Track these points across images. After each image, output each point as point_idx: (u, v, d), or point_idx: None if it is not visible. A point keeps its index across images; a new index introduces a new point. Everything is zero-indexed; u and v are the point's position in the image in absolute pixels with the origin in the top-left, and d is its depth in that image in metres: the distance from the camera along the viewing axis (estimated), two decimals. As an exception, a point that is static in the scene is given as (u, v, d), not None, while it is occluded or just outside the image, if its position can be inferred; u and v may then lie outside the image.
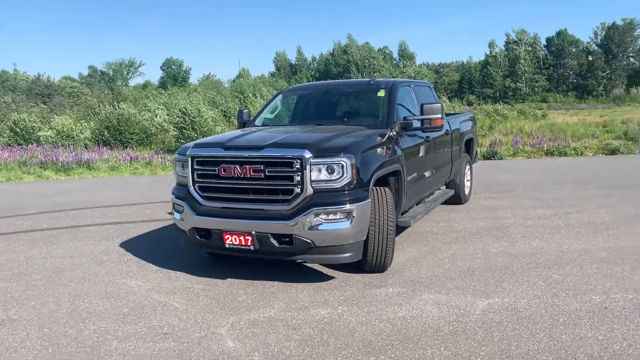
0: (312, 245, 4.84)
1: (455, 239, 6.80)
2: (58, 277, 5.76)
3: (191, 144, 5.54)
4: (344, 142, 5.05)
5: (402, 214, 6.22)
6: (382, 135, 5.65)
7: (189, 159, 5.29)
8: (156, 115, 33.14)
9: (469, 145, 9.24)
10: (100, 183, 14.56)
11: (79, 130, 27.07)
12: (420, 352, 3.70)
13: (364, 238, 5.09)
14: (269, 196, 4.94)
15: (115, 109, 28.31)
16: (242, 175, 4.97)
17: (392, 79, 6.98)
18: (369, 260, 5.27)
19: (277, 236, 4.90)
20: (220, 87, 52.06)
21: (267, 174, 4.90)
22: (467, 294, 4.82)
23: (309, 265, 5.85)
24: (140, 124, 27.11)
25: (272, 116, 7.07)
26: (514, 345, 3.75)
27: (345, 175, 4.84)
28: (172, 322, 4.37)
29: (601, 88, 77.60)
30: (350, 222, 4.82)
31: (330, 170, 4.83)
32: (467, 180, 9.15)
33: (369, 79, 6.93)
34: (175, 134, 26.00)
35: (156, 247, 6.87)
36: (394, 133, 5.90)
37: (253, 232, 4.90)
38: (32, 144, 24.35)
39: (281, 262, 5.88)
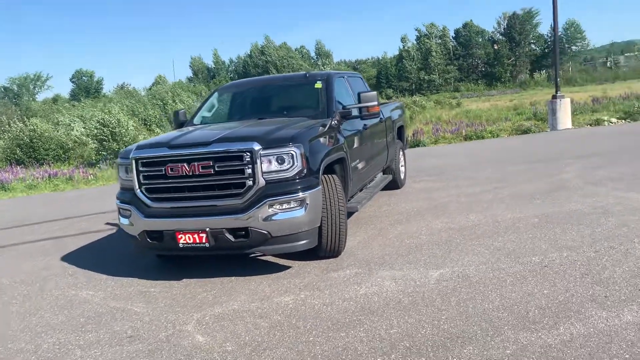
0: (269, 236, 4.91)
1: (399, 220, 7.08)
2: (2, 295, 5.46)
3: (133, 146, 5.43)
4: (292, 132, 5.14)
5: (348, 200, 6.41)
6: (325, 125, 5.80)
7: (133, 162, 5.18)
8: (72, 129, 31.66)
9: (400, 133, 9.62)
10: (22, 202, 13.76)
11: (-14, 151, 25.37)
12: (387, 323, 3.88)
13: (318, 224, 5.21)
14: (221, 191, 4.95)
15: (27, 125, 26.76)
16: (191, 173, 4.94)
17: (327, 71, 7.17)
18: (323, 246, 5.40)
19: (232, 230, 4.92)
20: (137, 96, 50.38)
21: (216, 169, 4.90)
22: (420, 267, 5.07)
23: (264, 257, 5.90)
24: (55, 139, 25.80)
25: (209, 114, 7.04)
26: (471, 307, 4.02)
27: (295, 164, 4.94)
28: (135, 325, 4.29)
29: (508, 74, 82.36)
30: (305, 210, 4.93)
31: (281, 161, 4.91)
32: (402, 166, 9.52)
33: (304, 73, 7.07)
34: (95, 147, 25.01)
35: (101, 257, 6.65)
36: (335, 122, 6.08)
37: (207, 229, 4.90)
38: None
39: (235, 258, 5.89)
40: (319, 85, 6.60)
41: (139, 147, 5.30)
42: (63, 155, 25.31)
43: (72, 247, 7.38)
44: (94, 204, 11.56)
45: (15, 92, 72.71)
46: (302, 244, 5.09)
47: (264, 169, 4.88)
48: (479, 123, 21.91)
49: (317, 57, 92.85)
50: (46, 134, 25.37)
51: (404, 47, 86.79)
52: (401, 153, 9.49)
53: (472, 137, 18.99)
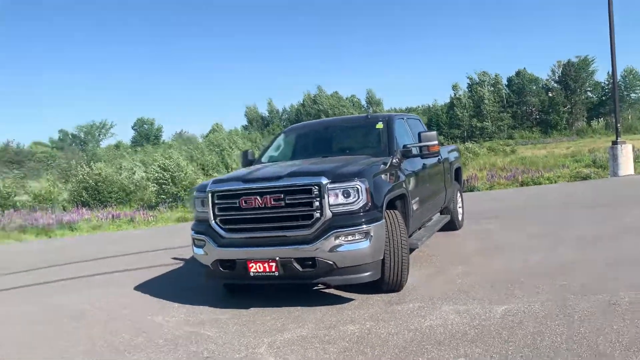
0: (334, 266, 5.10)
1: (459, 259, 7.11)
2: (84, 319, 5.86)
3: (208, 181, 5.83)
4: (357, 168, 5.41)
5: (409, 237, 6.54)
6: (386, 163, 6.03)
7: (209, 195, 5.55)
8: (134, 173, 33.26)
9: (457, 174, 9.72)
10: (89, 239, 14.51)
11: (56, 193, 26.90)
12: (454, 352, 3.94)
13: (381, 257, 5.37)
14: (290, 223, 5.22)
15: (92, 169, 28.32)
16: (263, 205, 5.25)
17: (388, 113, 7.47)
18: (386, 279, 5.53)
19: (300, 260, 5.15)
20: (195, 142, 52.53)
21: (287, 202, 5.19)
22: (484, 303, 5.10)
23: (326, 290, 6.07)
24: (118, 182, 27.15)
25: (276, 153, 7.43)
26: (539, 339, 4.03)
27: (360, 198, 5.17)
28: (210, 348, 4.52)
29: (564, 122, 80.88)
30: (369, 242, 5.12)
31: (347, 194, 5.15)
32: (459, 207, 9.56)
33: (365, 114, 7.41)
34: (155, 190, 26.10)
35: (172, 288, 6.99)
36: (397, 160, 6.31)
37: (277, 258, 5.15)
38: (8, 209, 24.04)
39: (299, 290, 6.09)
40: (380, 125, 6.89)
41: (215, 182, 5.68)
42: (125, 198, 26.52)
43: (143, 278, 7.77)
44: (157, 241, 12.09)
45: (82, 139, 77.20)
46: (366, 275, 5.24)
47: (331, 202, 5.13)
48: (536, 170, 21.55)
49: (367, 105, 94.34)
50: (110, 177, 26.76)
51: (455, 95, 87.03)
52: (458, 194, 9.56)
53: (528, 183, 18.69)
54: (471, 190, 18.01)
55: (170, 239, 12.04)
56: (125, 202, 26.20)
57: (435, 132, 6.68)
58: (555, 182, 18.40)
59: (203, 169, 36.62)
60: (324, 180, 5.13)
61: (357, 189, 5.16)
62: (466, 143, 56.30)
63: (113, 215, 19.69)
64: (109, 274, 8.47)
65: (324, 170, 5.32)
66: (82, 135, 77.69)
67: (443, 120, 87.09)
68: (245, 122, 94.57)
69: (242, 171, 6.22)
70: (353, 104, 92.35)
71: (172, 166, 26.26)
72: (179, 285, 7.13)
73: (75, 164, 33.55)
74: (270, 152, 7.48)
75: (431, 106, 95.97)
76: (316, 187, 5.12)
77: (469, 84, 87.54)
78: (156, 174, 26.33)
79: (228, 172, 35.90)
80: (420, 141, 6.62)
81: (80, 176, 26.98)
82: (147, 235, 13.97)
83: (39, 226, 18.05)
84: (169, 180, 25.58)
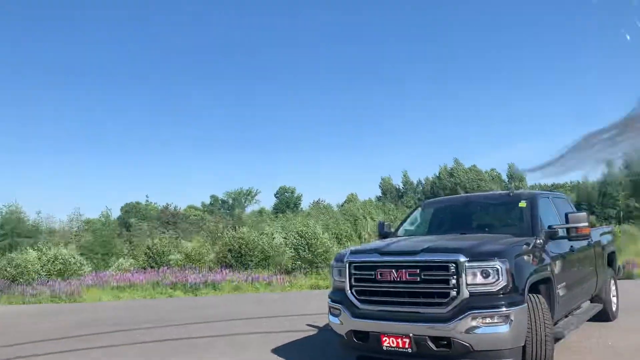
0: (470, 349, 4.93)
1: (615, 355, 6.41)
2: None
3: (347, 250, 6.05)
4: (497, 247, 5.28)
5: (554, 324, 6.09)
6: (529, 243, 5.78)
7: (347, 265, 5.75)
8: (273, 238, 34.95)
9: (611, 259, 8.90)
10: (231, 299, 15.42)
11: (205, 254, 29.08)
12: None
13: (522, 344, 5.08)
14: (425, 299, 5.19)
15: (237, 233, 30.32)
16: (398, 279, 5.30)
17: (532, 191, 7.22)
18: (528, 368, 5.18)
19: (434, 339, 5.06)
20: (331, 211, 54.03)
21: (422, 277, 5.20)
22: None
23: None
24: (260, 246, 28.69)
25: (412, 227, 7.49)
26: None
27: (500, 279, 5.00)
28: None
29: None
30: (509, 326, 4.89)
31: (486, 274, 5.03)
32: (613, 296, 8.69)
33: (507, 191, 7.23)
34: (292, 255, 27.09)
35: (307, 353, 7.18)
36: (541, 241, 6.01)
37: (411, 335, 5.11)
38: (163, 266, 26.40)
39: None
40: (523, 204, 6.66)
41: (353, 252, 5.89)
42: (264, 262, 27.87)
43: (279, 342, 8.07)
44: (293, 306, 12.50)
45: (229, 204, 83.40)
46: (505, 362, 4.97)
47: (469, 281, 5.03)
48: None
49: (509, 181, 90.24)
50: (253, 241, 28.41)
51: (608, 172, 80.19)
52: (612, 281, 8.72)
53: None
54: (629, 278, 16.19)
55: (304, 305, 12.39)
56: (264, 265, 27.54)
57: (585, 212, 6.30)
58: None
59: (337, 238, 37.33)
60: (462, 258, 5.07)
61: (497, 270, 5.02)
62: (622, 224, 50.97)
63: (252, 278, 20.83)
64: (249, 334, 8.92)
65: (461, 247, 5.27)
66: (230, 201, 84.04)
67: (594, 198, 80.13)
68: (379, 193, 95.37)
69: (379, 243, 6.35)
70: (492, 178, 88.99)
71: (309, 233, 27.25)
72: (313, 351, 7.29)
73: (223, 228, 36.17)
74: (407, 225, 7.54)
75: (580, 183, 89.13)
76: (453, 264, 5.08)
77: (626, 160, 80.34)
78: (295, 240, 27.48)
79: (361, 241, 36.21)
80: (567, 222, 6.27)
81: (227, 239, 29.03)
82: (283, 299, 14.50)
83: (188, 284, 19.65)
84: (306, 246, 26.51)
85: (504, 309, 4.93)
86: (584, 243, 7.29)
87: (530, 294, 5.31)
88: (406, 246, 5.75)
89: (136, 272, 23.09)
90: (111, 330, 10.03)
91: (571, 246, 6.78)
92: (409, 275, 5.25)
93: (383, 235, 7.49)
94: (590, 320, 8.13)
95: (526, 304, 5.10)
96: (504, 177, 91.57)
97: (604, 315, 8.30)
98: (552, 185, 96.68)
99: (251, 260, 27.30)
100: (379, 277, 5.43)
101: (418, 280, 5.21)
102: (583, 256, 7.24)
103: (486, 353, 4.95)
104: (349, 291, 5.68)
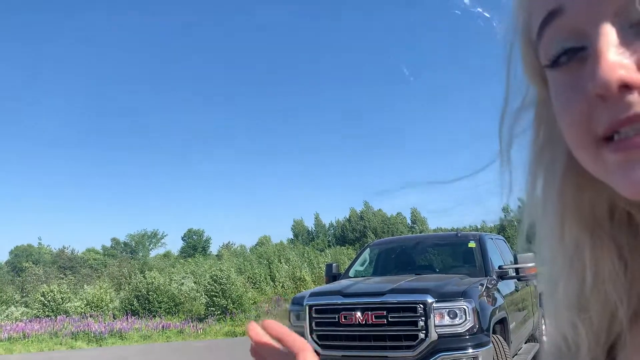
0: (441, 394, 4.74)
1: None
2: None
3: (305, 293, 5.71)
4: (462, 288, 5.20)
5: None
6: (483, 284, 5.78)
7: (307, 308, 5.41)
8: (183, 284, 33.29)
9: (541, 298, 9.22)
10: (140, 350, 14.25)
11: (108, 300, 27.07)
12: None
13: (490, 387, 4.97)
14: (392, 342, 4.96)
15: (145, 278, 28.62)
16: (364, 322, 5.05)
17: (477, 232, 7.37)
18: (496, 413, 5.07)
19: (403, 386, 4.82)
20: (244, 254, 52.90)
21: (389, 319, 4.98)
22: None
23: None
24: (169, 292, 27.20)
25: (362, 269, 7.30)
26: None
27: (467, 319, 4.91)
28: None
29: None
30: (478, 369, 4.78)
31: (453, 315, 4.92)
32: (544, 336, 8.96)
33: (455, 232, 7.33)
34: (205, 302, 25.89)
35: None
36: (494, 281, 6.07)
37: (377, 382, 4.84)
38: (60, 314, 24.19)
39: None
40: (472, 244, 6.73)
41: (313, 295, 5.56)
42: (174, 309, 26.40)
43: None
44: (215, 356, 11.75)
45: (132, 248, 79.03)
46: (476, 406, 4.83)
47: (436, 323, 4.89)
48: None
49: (412, 224, 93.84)
50: (162, 287, 26.89)
51: (505, 217, 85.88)
52: (543, 320, 9.01)
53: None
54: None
55: (231, 354, 11.69)
56: (174, 312, 26.05)
57: (532, 253, 6.46)
58: None
59: (251, 281, 36.33)
60: (429, 299, 4.93)
61: (464, 310, 4.92)
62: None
63: (163, 326, 19.59)
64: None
65: (428, 288, 5.15)
66: (133, 244, 79.65)
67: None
68: (291, 235, 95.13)
69: (339, 284, 6.09)
70: (400, 221, 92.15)
71: (224, 278, 26.26)
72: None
73: (128, 272, 34.07)
74: (357, 266, 7.35)
75: (479, 228, 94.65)
76: (421, 305, 4.92)
77: (519, 206, 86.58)
78: (208, 285, 26.30)
79: (275, 285, 35.53)
80: (516, 262, 6.39)
81: (135, 284, 27.24)
82: (200, 349, 13.63)
83: (92, 333, 18.02)
84: (220, 292, 25.45)
85: (471, 350, 4.82)
86: (524, 283, 7.50)
87: (493, 335, 5.28)
88: (370, 287, 5.54)
89: (29, 322, 20.91)
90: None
91: (515, 287, 6.93)
92: (375, 317, 5.00)
93: (332, 277, 7.24)
94: None
95: (492, 345, 5.03)
96: (409, 221, 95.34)
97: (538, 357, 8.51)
98: (452, 229, 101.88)
99: (160, 307, 25.77)
100: (342, 320, 5.13)
101: (385, 322, 4.98)
102: (524, 296, 7.42)
103: (455, 398, 4.79)
104: (309, 336, 5.32)
